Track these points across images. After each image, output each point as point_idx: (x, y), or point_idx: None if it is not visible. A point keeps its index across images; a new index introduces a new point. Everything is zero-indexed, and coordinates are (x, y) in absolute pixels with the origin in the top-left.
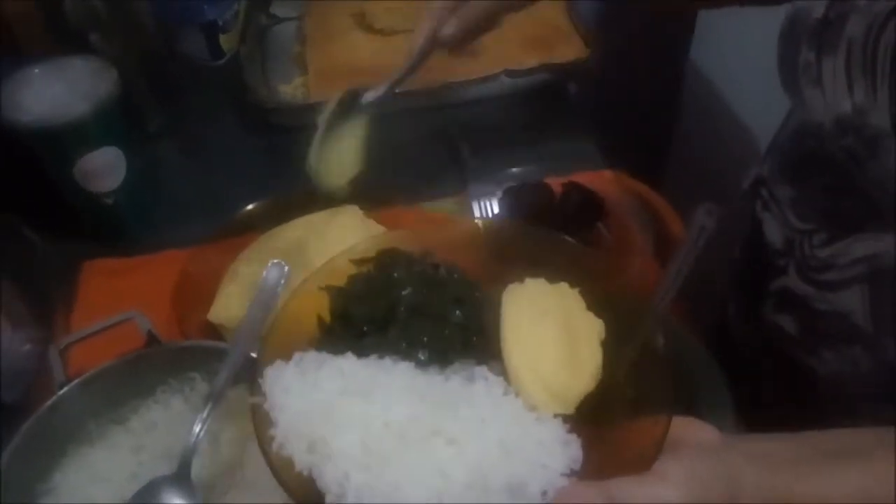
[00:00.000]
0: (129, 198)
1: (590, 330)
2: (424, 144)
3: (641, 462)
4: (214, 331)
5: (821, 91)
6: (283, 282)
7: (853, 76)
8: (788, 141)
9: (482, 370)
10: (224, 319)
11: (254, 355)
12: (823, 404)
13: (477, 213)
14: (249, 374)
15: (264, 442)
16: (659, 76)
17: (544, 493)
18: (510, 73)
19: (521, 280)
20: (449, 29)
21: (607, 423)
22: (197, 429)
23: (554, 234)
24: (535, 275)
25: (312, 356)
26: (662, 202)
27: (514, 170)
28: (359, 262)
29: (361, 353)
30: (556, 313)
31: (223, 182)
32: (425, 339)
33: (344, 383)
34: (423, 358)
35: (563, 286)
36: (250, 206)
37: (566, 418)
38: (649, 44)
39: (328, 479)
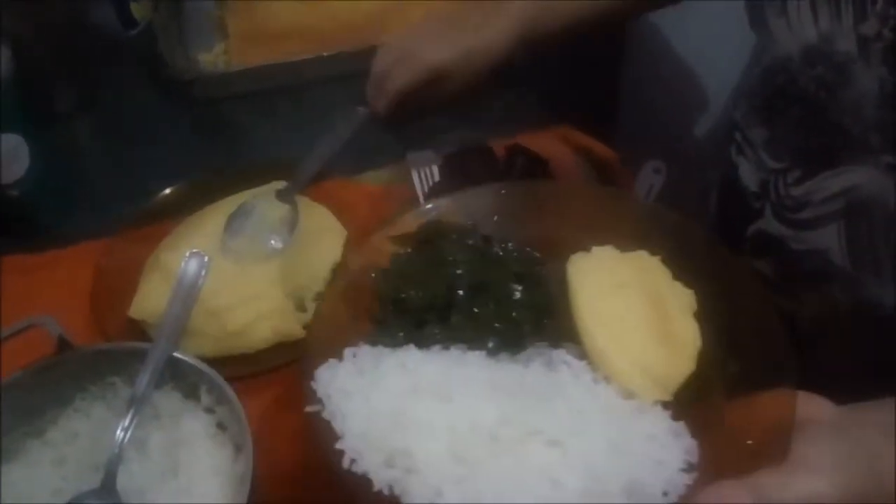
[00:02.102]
0: (37, 188)
1: (680, 302)
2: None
3: (771, 449)
4: (138, 328)
5: (786, 21)
6: (203, 273)
7: (817, 2)
8: (759, 80)
9: (561, 354)
10: (147, 315)
11: (177, 355)
12: (805, 351)
13: (416, 182)
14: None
15: (332, 458)
16: None
17: (665, 494)
18: None
19: (586, 249)
20: (381, 102)
21: (709, 406)
22: (120, 437)
23: (618, 192)
24: (600, 241)
25: (366, 351)
26: (611, 155)
27: (454, 134)
28: (399, 239)
29: (421, 344)
30: (637, 285)
31: (144, 164)
32: (495, 324)
33: (412, 381)
34: (491, 345)
35: (642, 254)
36: (168, 190)
37: (665, 405)
38: None
39: (417, 496)
